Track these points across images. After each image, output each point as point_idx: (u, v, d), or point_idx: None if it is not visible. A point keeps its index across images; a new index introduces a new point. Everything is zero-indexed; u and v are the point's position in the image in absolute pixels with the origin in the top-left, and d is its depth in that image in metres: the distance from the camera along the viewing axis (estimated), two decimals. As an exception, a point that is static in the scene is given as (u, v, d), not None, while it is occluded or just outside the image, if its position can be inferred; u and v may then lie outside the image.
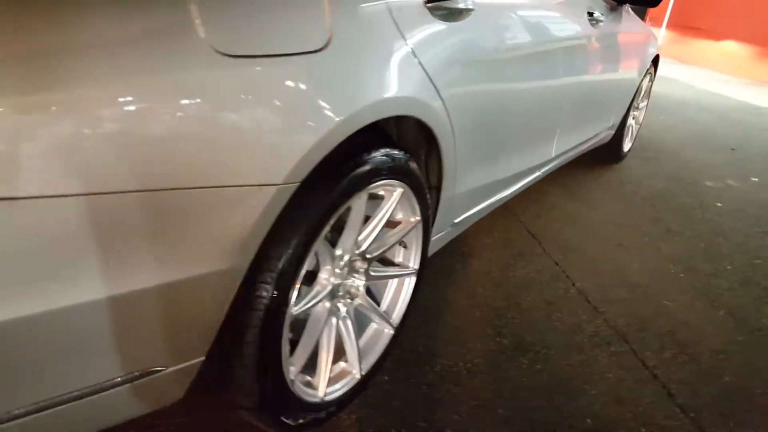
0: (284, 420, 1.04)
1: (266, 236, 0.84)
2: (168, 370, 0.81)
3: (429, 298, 1.72)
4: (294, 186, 0.83)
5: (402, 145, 1.12)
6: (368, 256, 1.16)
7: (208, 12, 0.72)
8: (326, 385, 1.12)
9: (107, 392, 0.75)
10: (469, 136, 1.31)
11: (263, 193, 0.79)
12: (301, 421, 1.08)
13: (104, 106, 0.63)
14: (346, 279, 1.16)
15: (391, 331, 1.30)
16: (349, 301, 1.18)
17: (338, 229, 1.07)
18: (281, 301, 0.91)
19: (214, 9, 0.73)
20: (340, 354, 1.18)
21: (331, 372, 1.14)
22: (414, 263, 1.32)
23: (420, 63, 1.05)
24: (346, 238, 1.08)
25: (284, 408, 1.04)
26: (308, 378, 1.11)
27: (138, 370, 0.78)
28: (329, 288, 1.09)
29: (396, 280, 1.32)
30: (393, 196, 1.14)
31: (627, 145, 3.37)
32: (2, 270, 0.60)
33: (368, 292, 1.24)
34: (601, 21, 2.09)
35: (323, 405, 1.13)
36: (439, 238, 1.51)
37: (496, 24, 1.34)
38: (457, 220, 1.54)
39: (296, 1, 0.86)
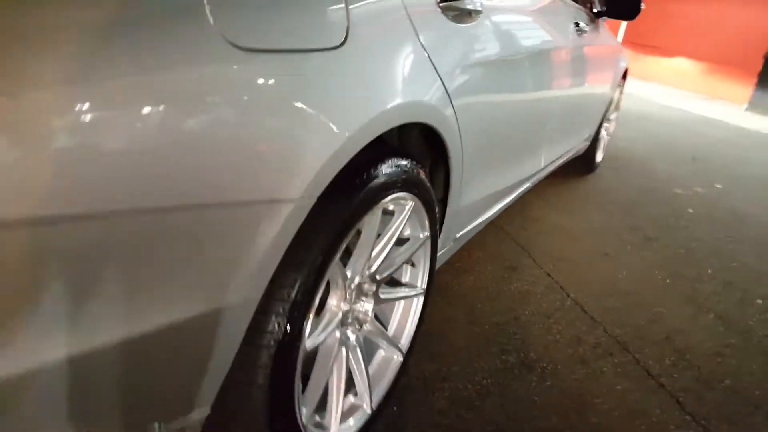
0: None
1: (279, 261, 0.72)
2: None
3: (428, 317, 1.63)
4: (312, 201, 0.73)
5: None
6: (378, 277, 1.06)
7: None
8: (339, 425, 1.00)
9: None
10: (475, 145, 1.24)
11: (279, 210, 0.68)
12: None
13: (77, 110, 0.49)
14: (355, 304, 1.05)
15: (400, 358, 1.20)
16: (357, 327, 1.07)
17: (345, 251, 0.97)
18: (295, 335, 0.79)
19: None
20: (347, 386, 1.07)
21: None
22: (422, 283, 1.23)
23: (434, 66, 0.97)
24: (358, 259, 0.98)
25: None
26: (317, 419, 0.99)
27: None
28: (340, 315, 0.98)
29: (403, 302, 1.23)
30: (404, 210, 1.04)
31: (599, 156, 3.41)
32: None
33: (375, 317, 1.13)
34: (585, 32, 2.09)
35: (335, 446, 1.01)
36: (441, 254, 1.42)
37: (501, 28, 1.28)
38: (458, 235, 1.46)
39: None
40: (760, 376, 1.63)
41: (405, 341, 1.22)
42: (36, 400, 0.53)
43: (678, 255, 2.41)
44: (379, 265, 1.05)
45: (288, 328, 0.77)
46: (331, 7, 0.76)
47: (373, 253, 1.02)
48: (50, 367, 0.52)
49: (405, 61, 0.89)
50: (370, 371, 1.15)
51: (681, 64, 8.24)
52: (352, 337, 1.05)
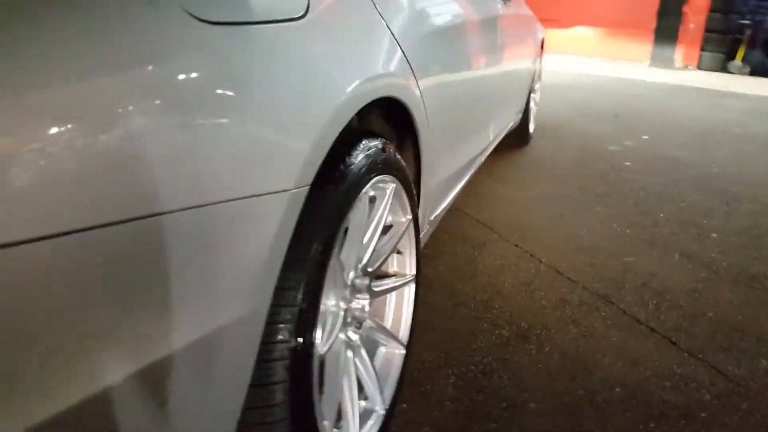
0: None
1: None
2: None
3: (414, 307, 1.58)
4: (305, 190, 0.66)
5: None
6: (369, 269, 0.99)
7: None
8: None
9: None
10: (438, 120, 1.20)
11: (275, 203, 0.60)
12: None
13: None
14: (351, 302, 0.98)
15: (402, 351, 1.13)
16: (357, 327, 1.00)
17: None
18: (308, 341, 0.71)
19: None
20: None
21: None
22: (410, 269, 1.18)
23: (393, 35, 0.92)
24: (349, 252, 0.91)
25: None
26: (335, 431, 0.91)
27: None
28: (341, 315, 0.91)
29: (395, 293, 1.16)
30: (386, 193, 0.99)
31: (532, 127, 3.51)
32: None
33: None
34: (510, 0, 2.12)
35: (357, 457, 0.93)
36: (422, 237, 1.37)
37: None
38: (432, 217, 1.42)
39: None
40: (737, 303, 1.70)
41: (404, 333, 1.16)
42: None
43: (629, 205, 2.51)
44: (370, 257, 0.98)
45: (300, 334, 0.70)
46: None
47: (363, 243, 0.95)
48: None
49: (368, 30, 0.83)
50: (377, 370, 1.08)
51: (582, 32, 8.72)
52: (355, 338, 0.98)
